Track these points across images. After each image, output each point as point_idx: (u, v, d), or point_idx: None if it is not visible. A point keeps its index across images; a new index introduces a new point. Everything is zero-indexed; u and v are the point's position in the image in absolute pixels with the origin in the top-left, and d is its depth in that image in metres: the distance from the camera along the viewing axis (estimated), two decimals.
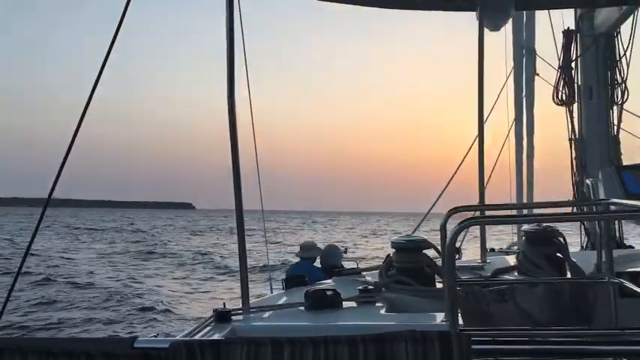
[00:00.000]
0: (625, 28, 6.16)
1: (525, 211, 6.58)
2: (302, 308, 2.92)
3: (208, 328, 2.57)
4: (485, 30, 4.40)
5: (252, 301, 3.04)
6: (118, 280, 19.55)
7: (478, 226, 4.31)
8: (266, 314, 2.91)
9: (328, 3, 4.26)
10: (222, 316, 2.72)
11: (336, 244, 8.02)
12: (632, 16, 5.84)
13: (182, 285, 19.64)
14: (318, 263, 7.05)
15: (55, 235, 45.31)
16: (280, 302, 3.15)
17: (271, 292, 4.13)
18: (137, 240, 42.82)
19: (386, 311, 2.89)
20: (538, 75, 7.26)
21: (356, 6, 4.37)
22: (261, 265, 17.14)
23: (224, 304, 2.92)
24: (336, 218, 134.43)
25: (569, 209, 5.70)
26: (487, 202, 4.74)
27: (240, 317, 2.82)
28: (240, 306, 2.92)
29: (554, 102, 6.76)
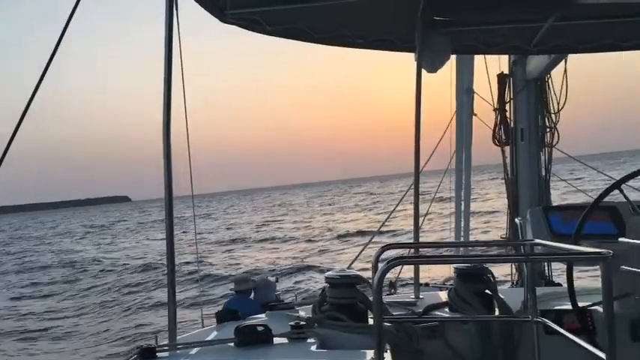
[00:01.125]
0: (557, 74, 6.48)
1: (462, 250, 6.75)
2: (232, 344, 2.84)
3: None
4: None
5: (179, 336, 2.94)
6: None
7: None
8: (194, 350, 2.81)
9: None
10: (146, 353, 2.61)
11: (270, 278, 7.96)
12: (562, 62, 6.15)
13: None
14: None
15: None
16: (210, 338, 3.07)
17: (202, 326, 4.01)
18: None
19: (317, 348, 2.86)
20: (476, 115, 7.53)
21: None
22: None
23: (156, 337, 2.81)
24: (272, 194, 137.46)
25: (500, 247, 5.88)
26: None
27: (166, 354, 2.72)
28: (167, 341, 2.82)
29: (494, 142, 7.01)
